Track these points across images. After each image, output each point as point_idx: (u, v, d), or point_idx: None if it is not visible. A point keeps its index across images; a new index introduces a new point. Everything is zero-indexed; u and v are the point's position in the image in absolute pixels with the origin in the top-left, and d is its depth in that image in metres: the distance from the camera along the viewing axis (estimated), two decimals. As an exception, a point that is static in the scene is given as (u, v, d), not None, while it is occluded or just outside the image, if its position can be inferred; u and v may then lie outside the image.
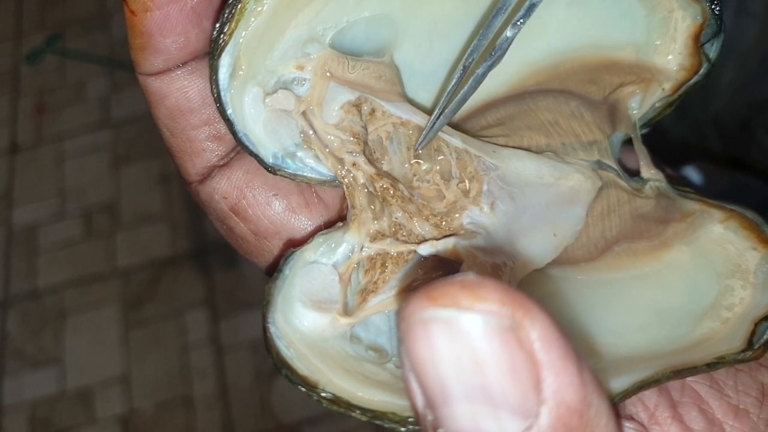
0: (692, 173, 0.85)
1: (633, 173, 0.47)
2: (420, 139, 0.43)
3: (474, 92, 0.42)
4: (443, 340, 0.24)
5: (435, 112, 0.42)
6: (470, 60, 0.41)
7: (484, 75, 0.41)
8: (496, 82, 0.46)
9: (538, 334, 0.24)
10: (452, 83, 0.42)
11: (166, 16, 0.37)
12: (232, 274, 1.97)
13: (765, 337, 0.40)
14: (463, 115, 0.47)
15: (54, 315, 2.01)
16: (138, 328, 1.96)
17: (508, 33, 0.39)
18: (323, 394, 0.37)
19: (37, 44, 2.49)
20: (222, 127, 0.41)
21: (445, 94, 0.42)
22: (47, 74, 2.45)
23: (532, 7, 0.39)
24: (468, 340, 0.24)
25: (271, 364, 0.37)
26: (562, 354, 0.24)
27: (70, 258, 2.10)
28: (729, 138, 0.89)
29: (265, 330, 0.38)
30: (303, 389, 0.37)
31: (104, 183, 2.20)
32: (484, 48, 0.41)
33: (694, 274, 0.45)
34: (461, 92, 0.41)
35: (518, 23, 0.39)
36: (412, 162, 0.44)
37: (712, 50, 0.45)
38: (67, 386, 1.91)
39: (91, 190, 2.20)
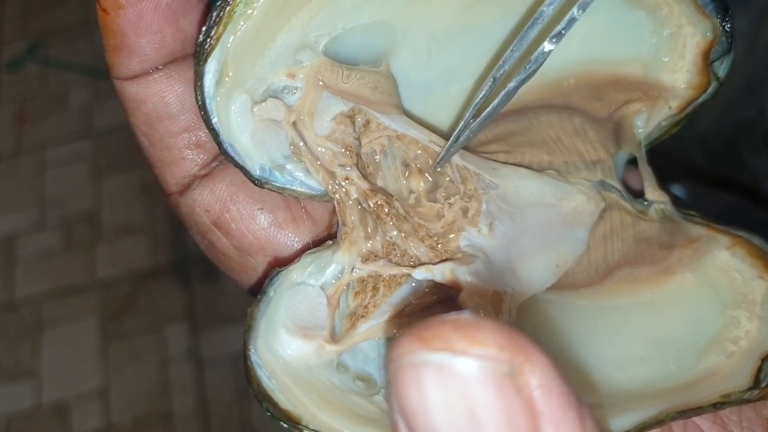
0: (679, 192, 0.84)
1: (637, 194, 0.45)
2: (441, 154, 0.41)
3: (504, 107, 0.39)
4: (435, 386, 0.22)
5: (460, 125, 0.40)
6: (501, 71, 0.39)
7: (516, 89, 0.39)
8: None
9: (538, 381, 0.22)
10: (480, 95, 0.39)
11: (140, 14, 0.36)
12: (213, 288, 1.94)
13: (772, 374, 0.39)
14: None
15: (31, 327, 1.97)
16: (117, 341, 1.93)
17: (547, 46, 0.37)
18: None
19: (18, 51, 2.46)
20: (203, 134, 0.39)
21: (472, 105, 0.40)
22: (29, 82, 2.41)
23: (572, 21, 0.36)
24: (462, 388, 0.22)
25: (252, 396, 0.35)
26: (563, 402, 0.23)
27: (49, 269, 2.06)
28: (715, 157, 0.89)
29: (245, 358, 0.36)
30: (285, 425, 0.35)
31: (85, 193, 2.17)
32: (516, 59, 0.38)
33: (698, 304, 0.43)
34: (491, 105, 0.39)
35: (558, 35, 0.37)
36: (408, 178, 0.41)
37: (721, 69, 0.43)
38: (43, 400, 1.87)
39: (71, 200, 2.17)
